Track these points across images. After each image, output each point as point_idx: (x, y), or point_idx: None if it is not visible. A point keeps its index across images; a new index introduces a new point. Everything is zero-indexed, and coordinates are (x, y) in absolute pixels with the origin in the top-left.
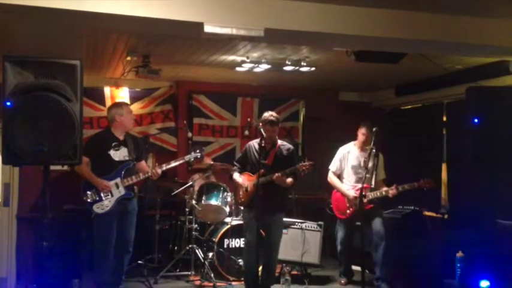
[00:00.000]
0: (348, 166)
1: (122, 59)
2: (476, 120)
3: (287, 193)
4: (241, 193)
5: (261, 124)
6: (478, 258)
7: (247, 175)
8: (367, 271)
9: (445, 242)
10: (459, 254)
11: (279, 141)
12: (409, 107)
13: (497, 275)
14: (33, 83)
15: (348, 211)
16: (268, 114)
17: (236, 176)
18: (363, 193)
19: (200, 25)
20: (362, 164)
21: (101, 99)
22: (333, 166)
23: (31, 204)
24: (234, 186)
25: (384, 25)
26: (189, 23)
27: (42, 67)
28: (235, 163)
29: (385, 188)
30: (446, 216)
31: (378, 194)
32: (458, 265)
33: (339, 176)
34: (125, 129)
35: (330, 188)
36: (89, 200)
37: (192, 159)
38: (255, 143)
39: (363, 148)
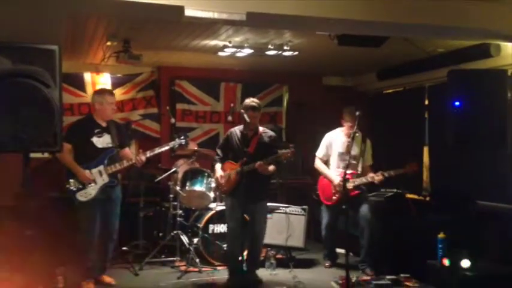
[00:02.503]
0: (334, 153)
1: (101, 44)
2: (457, 103)
3: (270, 181)
4: (223, 181)
5: (242, 111)
6: (459, 239)
7: (230, 163)
8: (351, 254)
9: (427, 223)
10: (441, 235)
11: (261, 128)
12: (392, 90)
13: (478, 255)
14: (11, 69)
15: (334, 197)
16: (250, 100)
17: (218, 168)
18: (348, 179)
19: (181, 9)
20: (348, 149)
21: (81, 85)
22: (320, 152)
23: (14, 192)
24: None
25: (366, 9)
26: (169, 7)
27: (20, 53)
28: (217, 150)
29: (371, 174)
30: (428, 198)
31: (364, 180)
32: (440, 246)
33: (326, 163)
34: (103, 118)
35: (315, 172)
36: (72, 188)
37: (177, 146)
38: (237, 130)
39: (350, 135)
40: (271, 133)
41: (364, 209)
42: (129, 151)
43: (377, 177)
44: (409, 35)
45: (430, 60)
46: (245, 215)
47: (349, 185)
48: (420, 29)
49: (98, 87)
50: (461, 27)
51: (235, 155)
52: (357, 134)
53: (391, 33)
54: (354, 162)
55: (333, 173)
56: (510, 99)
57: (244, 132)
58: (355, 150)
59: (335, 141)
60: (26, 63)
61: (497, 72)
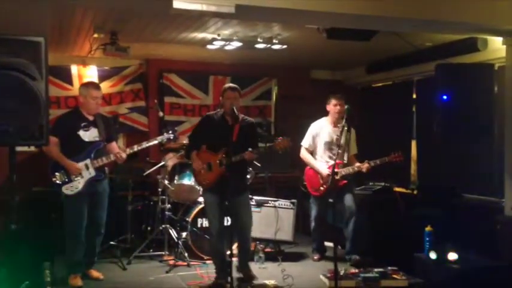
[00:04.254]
0: (320, 142)
1: (88, 36)
2: (445, 97)
3: (247, 170)
4: (203, 172)
5: (221, 98)
6: (446, 232)
7: (208, 153)
8: (339, 247)
9: (414, 216)
10: (428, 228)
11: (241, 115)
12: (380, 84)
13: (464, 247)
14: None
15: (322, 188)
16: (228, 84)
17: (195, 157)
18: (336, 169)
19: (169, 1)
20: (335, 140)
21: (68, 78)
22: (305, 142)
23: None
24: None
25: (355, 2)
26: None
27: (5, 44)
28: (189, 138)
29: (357, 164)
30: (415, 192)
31: (351, 169)
32: (427, 239)
33: (312, 153)
34: (88, 112)
35: (303, 165)
36: (57, 181)
37: (165, 141)
38: (214, 116)
39: (335, 124)
40: (250, 120)
41: (349, 199)
42: (116, 145)
43: (364, 166)
44: (398, 29)
45: (418, 54)
46: (229, 212)
47: (337, 176)
48: (409, 23)
49: (85, 80)
50: (450, 21)
51: (215, 144)
52: (345, 128)
53: (380, 27)
54: (339, 152)
55: (320, 164)
56: (496, 93)
57: (226, 118)
58: (341, 139)
59: (321, 131)
60: (12, 55)
61: (484, 66)
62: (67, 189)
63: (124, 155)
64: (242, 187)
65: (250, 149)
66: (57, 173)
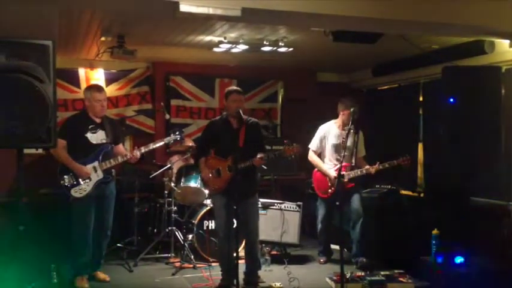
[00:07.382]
0: (328, 145)
1: (96, 39)
2: (451, 100)
3: (257, 172)
4: (212, 178)
5: (225, 101)
6: (452, 236)
7: (216, 159)
8: (345, 250)
9: (421, 220)
10: (435, 232)
11: (244, 117)
12: (386, 87)
13: (471, 251)
14: (4, 64)
15: (330, 190)
16: (231, 87)
17: (203, 165)
18: (343, 172)
19: (176, 4)
20: (342, 143)
21: (75, 81)
22: (313, 145)
23: (7, 188)
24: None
25: (361, 5)
26: (164, 2)
27: (14, 48)
28: (198, 145)
29: (366, 166)
30: (422, 195)
31: (359, 172)
32: (434, 242)
33: (320, 155)
34: (94, 114)
35: (309, 168)
36: (66, 184)
37: (172, 142)
38: (219, 121)
39: (343, 127)
40: (254, 120)
41: (356, 202)
42: (123, 147)
43: (372, 168)
44: (404, 31)
45: (424, 56)
46: (237, 216)
47: (345, 178)
48: (415, 25)
49: (92, 82)
50: (456, 24)
51: (222, 149)
52: (352, 131)
53: (386, 29)
54: (347, 154)
55: (328, 166)
56: (503, 96)
57: (231, 121)
58: (348, 142)
59: (329, 133)
60: (20, 58)
61: (491, 68)
62: (76, 192)
63: (138, 154)
64: (251, 191)
65: (259, 156)
66: (65, 176)
